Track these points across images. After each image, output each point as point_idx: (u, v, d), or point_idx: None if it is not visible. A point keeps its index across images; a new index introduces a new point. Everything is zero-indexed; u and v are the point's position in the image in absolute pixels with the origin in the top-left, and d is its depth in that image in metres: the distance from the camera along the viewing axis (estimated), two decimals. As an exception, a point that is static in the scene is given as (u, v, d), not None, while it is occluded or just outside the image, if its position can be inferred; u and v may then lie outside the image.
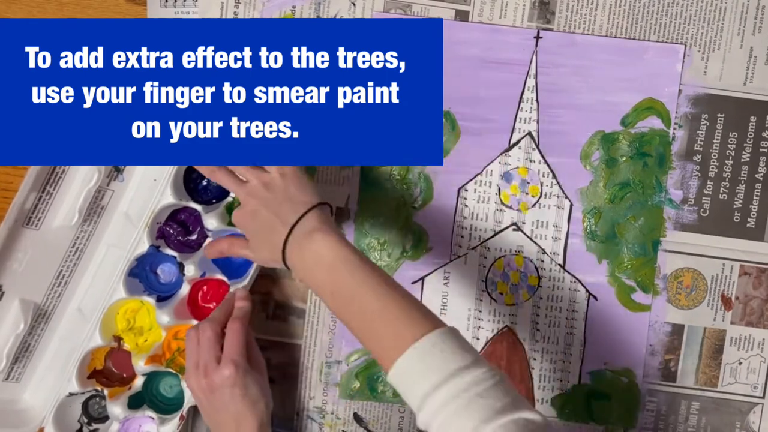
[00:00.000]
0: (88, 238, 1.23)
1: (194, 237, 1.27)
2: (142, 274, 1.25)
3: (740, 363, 1.28)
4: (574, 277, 1.28)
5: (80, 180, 1.19)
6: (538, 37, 1.25)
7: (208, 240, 1.24)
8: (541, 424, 0.92)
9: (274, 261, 1.09)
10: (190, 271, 1.23)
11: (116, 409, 1.23)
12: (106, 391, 1.24)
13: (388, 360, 0.98)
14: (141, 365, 1.23)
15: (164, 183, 1.22)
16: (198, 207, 1.23)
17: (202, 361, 1.14)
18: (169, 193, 1.22)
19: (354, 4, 1.26)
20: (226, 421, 1.14)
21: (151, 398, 1.27)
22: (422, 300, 1.27)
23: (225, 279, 1.24)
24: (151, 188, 1.23)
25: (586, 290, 1.28)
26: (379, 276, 1.03)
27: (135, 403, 1.25)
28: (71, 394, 1.24)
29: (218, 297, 1.27)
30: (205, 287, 1.27)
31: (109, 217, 1.24)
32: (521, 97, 1.26)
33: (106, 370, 1.27)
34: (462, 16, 1.26)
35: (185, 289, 1.24)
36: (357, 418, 1.30)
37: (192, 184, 1.26)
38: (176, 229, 1.25)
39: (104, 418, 1.26)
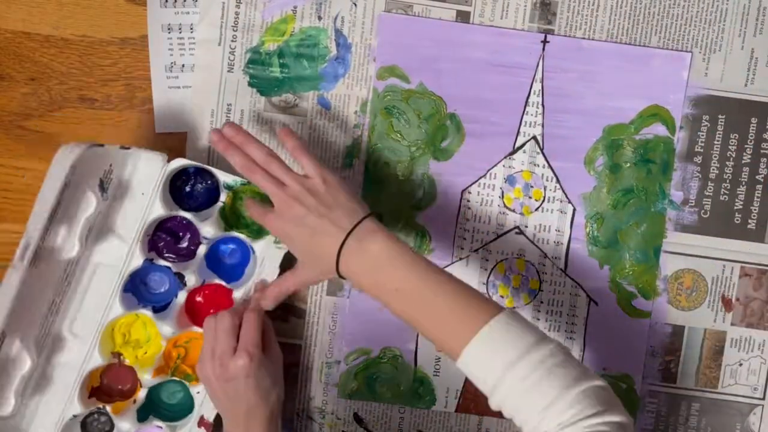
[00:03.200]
0: (78, 263, 1.15)
1: (185, 244, 1.20)
2: (138, 289, 1.19)
3: (740, 364, 1.23)
4: (575, 282, 1.22)
5: (77, 210, 1.12)
6: (545, 42, 1.19)
7: (201, 248, 1.18)
8: (609, 389, 0.95)
9: (326, 272, 1.07)
10: (191, 280, 1.17)
11: (125, 424, 1.17)
12: (108, 407, 1.17)
13: (457, 347, 0.97)
14: (148, 378, 1.17)
15: (153, 196, 1.15)
16: (188, 215, 1.17)
17: (218, 350, 1.10)
18: (159, 206, 1.15)
19: (355, 5, 1.20)
20: (237, 411, 1.11)
21: (156, 408, 1.20)
22: (423, 301, 1.20)
23: (223, 283, 1.18)
24: (139, 202, 1.16)
25: (587, 295, 1.22)
26: (436, 269, 1.03)
27: (144, 415, 1.19)
28: (75, 417, 1.17)
29: (218, 302, 1.20)
30: (205, 292, 1.21)
31: (99, 238, 1.16)
32: (527, 101, 1.20)
33: (104, 387, 1.20)
34: (463, 16, 1.20)
35: (182, 297, 1.17)
36: (357, 419, 1.24)
37: (177, 191, 1.19)
38: (165, 239, 1.19)
39: None
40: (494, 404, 0.96)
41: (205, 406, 1.17)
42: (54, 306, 1.14)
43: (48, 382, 1.17)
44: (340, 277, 1.05)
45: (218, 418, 1.17)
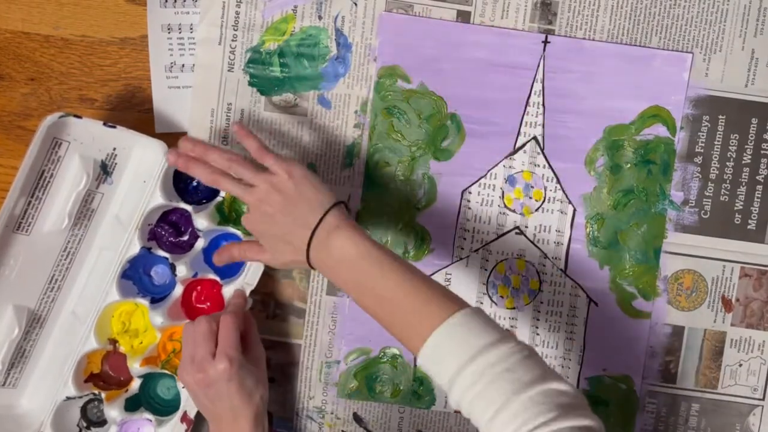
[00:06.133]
0: (80, 242, 1.16)
1: (186, 238, 1.20)
2: (136, 276, 1.19)
3: (740, 365, 1.22)
4: (576, 282, 1.21)
5: (69, 184, 1.12)
6: (546, 42, 1.18)
7: (199, 242, 1.18)
8: (571, 393, 0.89)
9: (296, 263, 1.06)
10: (182, 271, 1.16)
11: (113, 412, 1.17)
12: (103, 395, 1.18)
13: (416, 346, 0.95)
14: (136, 367, 1.17)
15: (153, 184, 1.16)
16: (188, 207, 1.17)
17: (197, 355, 1.08)
18: (159, 195, 1.16)
19: (356, 4, 1.19)
20: (222, 414, 1.09)
21: (148, 400, 1.20)
22: (422, 301, 1.19)
23: (218, 279, 1.18)
24: (140, 190, 1.16)
25: (587, 296, 1.21)
26: (402, 265, 1.00)
27: (132, 405, 1.19)
28: (68, 398, 1.17)
29: (212, 297, 1.20)
30: (198, 287, 1.21)
31: (99, 221, 1.17)
32: (527, 101, 1.19)
33: (104, 374, 1.20)
34: (464, 16, 1.19)
35: (178, 290, 1.18)
36: (356, 418, 1.23)
37: (182, 185, 1.19)
38: (167, 230, 1.19)
39: (103, 422, 1.19)
40: (453, 404, 0.95)
41: (190, 402, 1.16)
42: (54, 282, 1.15)
43: (45, 359, 1.17)
44: (312, 268, 1.05)
45: (199, 414, 1.17)
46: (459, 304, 0.96)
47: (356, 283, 1.01)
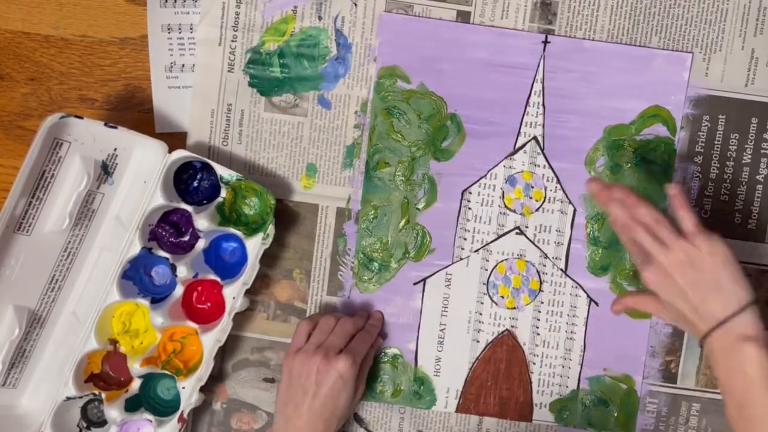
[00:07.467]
0: (80, 242, 1.16)
1: (186, 238, 1.20)
2: (136, 277, 1.18)
3: None
4: (576, 282, 1.20)
5: (70, 184, 1.12)
6: (546, 42, 1.18)
7: (200, 243, 1.17)
8: None
9: (687, 329, 1.04)
10: (183, 272, 1.16)
11: (113, 412, 1.16)
12: (103, 395, 1.17)
13: None
14: (136, 368, 1.16)
15: (154, 185, 1.15)
16: (189, 208, 1.16)
17: (329, 343, 1.11)
18: (159, 195, 1.15)
19: (355, 5, 1.19)
20: (297, 404, 1.09)
21: (148, 401, 1.20)
22: (423, 302, 1.21)
23: (218, 279, 1.18)
24: (141, 190, 1.16)
25: (587, 296, 1.21)
26: None
27: (132, 405, 1.18)
28: (69, 399, 1.16)
29: (212, 298, 1.20)
30: (199, 288, 1.20)
31: (100, 221, 1.17)
32: (528, 101, 1.19)
33: (104, 374, 1.20)
34: (464, 16, 1.19)
35: (179, 291, 1.17)
36: (357, 419, 1.22)
37: (183, 185, 1.19)
38: (168, 231, 1.19)
39: (103, 422, 1.18)
40: None
41: (188, 402, 1.15)
42: (55, 282, 1.15)
43: (45, 359, 1.17)
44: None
45: (194, 413, 1.17)
46: None
47: (741, 402, 0.96)
